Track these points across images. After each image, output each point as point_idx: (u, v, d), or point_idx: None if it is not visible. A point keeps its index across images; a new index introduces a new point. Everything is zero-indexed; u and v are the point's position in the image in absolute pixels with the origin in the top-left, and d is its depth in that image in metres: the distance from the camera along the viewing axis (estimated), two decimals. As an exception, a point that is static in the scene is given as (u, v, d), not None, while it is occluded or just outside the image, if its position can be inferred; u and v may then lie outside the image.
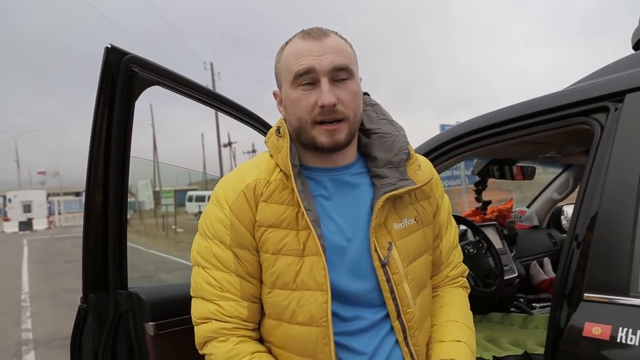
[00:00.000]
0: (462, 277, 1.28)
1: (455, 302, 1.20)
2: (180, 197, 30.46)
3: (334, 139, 1.00)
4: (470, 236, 2.36)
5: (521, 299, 2.46)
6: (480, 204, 2.76)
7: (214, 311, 1.02)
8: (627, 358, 1.06)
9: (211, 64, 31.25)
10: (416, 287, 1.08)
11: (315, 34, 1.02)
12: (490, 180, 2.64)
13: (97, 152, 1.11)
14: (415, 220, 1.11)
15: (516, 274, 2.49)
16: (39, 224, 32.12)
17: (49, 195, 40.98)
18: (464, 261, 1.88)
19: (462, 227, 2.47)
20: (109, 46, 1.10)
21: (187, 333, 1.31)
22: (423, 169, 1.12)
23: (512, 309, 2.41)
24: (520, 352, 1.72)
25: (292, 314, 1.00)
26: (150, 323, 1.19)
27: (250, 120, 1.66)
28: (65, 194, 53.17)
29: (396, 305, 1.03)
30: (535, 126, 1.51)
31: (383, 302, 1.04)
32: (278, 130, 1.09)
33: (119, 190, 1.13)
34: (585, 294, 1.18)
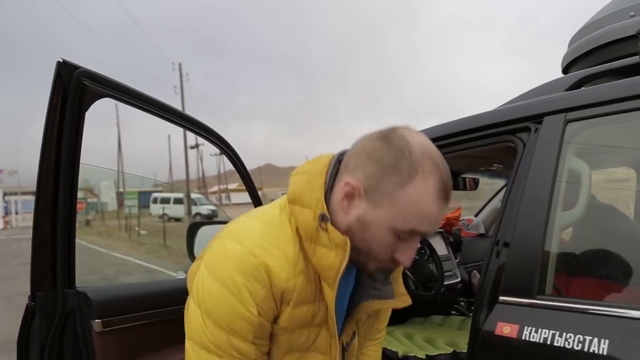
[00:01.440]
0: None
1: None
2: (144, 198, 29.93)
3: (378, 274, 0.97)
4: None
5: (462, 303, 2.60)
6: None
7: None
8: (530, 353, 1.19)
9: (179, 65, 30.94)
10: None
11: (449, 191, 0.89)
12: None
13: (48, 157, 1.17)
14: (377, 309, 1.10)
15: (459, 279, 2.63)
16: (-5, 224, 30.99)
17: (5, 194, 39.45)
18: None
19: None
20: (61, 60, 1.16)
21: (132, 330, 1.37)
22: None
23: (453, 312, 2.55)
24: (451, 350, 1.84)
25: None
26: (97, 320, 1.25)
27: (203, 132, 1.72)
28: (24, 193, 51.26)
29: None
30: (471, 142, 1.63)
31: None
32: (323, 216, 0.91)
33: (68, 194, 1.18)
34: (500, 297, 1.31)
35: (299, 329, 0.96)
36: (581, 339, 1.11)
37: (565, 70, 1.97)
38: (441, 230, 2.85)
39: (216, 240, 0.99)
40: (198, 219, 29.02)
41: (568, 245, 1.37)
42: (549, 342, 1.16)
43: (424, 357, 1.82)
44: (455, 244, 2.84)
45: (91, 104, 1.21)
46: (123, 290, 1.41)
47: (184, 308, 1.49)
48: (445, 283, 2.46)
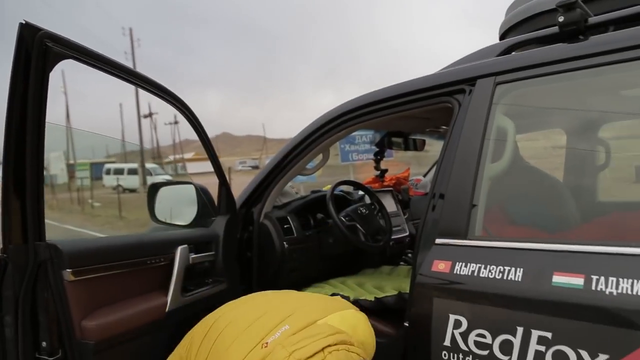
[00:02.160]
0: None
1: None
2: (97, 170, 29.03)
3: None
4: (367, 200, 2.66)
5: (409, 254, 2.82)
6: (379, 172, 3.07)
7: None
8: (460, 284, 1.37)
9: (130, 30, 29.68)
10: None
11: None
12: (402, 156, 2.94)
13: (12, 116, 1.22)
14: None
15: (407, 233, 2.84)
16: None
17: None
18: (357, 219, 2.16)
19: (360, 192, 2.77)
20: (23, 22, 1.20)
21: (102, 279, 1.47)
22: None
23: (401, 263, 2.76)
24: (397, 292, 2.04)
25: None
26: (68, 270, 1.34)
27: (166, 96, 1.78)
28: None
29: None
30: (412, 103, 1.78)
31: None
32: None
33: (34, 150, 1.24)
34: (437, 240, 1.49)
35: None
36: (501, 269, 1.30)
37: (502, 37, 2.13)
38: (391, 189, 3.04)
39: None
40: (153, 190, 28.45)
41: (494, 194, 1.55)
42: (475, 274, 1.34)
43: (372, 299, 2.01)
44: (403, 201, 3.04)
45: (54, 65, 1.27)
46: (92, 243, 1.50)
47: (149, 260, 1.60)
48: (394, 237, 2.66)
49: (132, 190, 27.13)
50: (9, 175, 1.24)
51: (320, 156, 2.32)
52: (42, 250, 1.31)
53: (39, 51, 1.21)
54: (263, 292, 1.70)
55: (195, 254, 1.81)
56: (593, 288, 1.15)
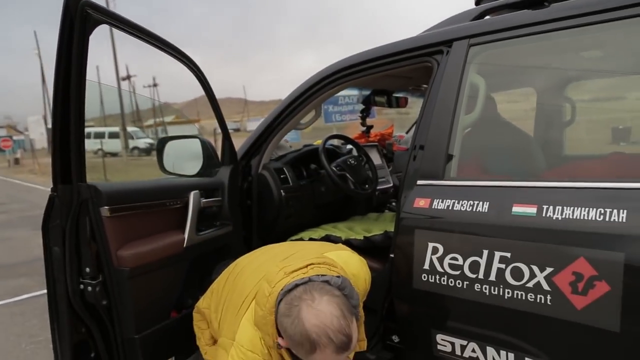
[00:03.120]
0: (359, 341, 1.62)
1: None
2: (76, 134, 28.58)
3: None
4: (355, 152, 2.90)
5: (393, 203, 3.10)
6: (365, 128, 3.30)
7: None
8: (437, 217, 1.64)
9: (103, -11, 28.69)
10: None
11: (345, 345, 1.25)
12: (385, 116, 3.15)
13: (59, 76, 1.42)
14: None
15: (391, 184, 3.11)
16: None
17: None
18: (346, 169, 2.40)
19: (349, 146, 3.00)
20: None
21: (133, 217, 1.71)
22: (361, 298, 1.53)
23: (386, 210, 3.04)
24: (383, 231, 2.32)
25: None
26: (106, 207, 1.57)
27: (184, 59, 1.97)
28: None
29: None
30: (395, 63, 2.00)
31: None
32: (278, 344, 1.34)
33: (76, 108, 1.45)
34: (418, 181, 1.74)
35: None
36: (471, 203, 1.57)
37: (477, 3, 2.33)
38: (376, 144, 3.29)
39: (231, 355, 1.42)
40: (136, 153, 28.32)
41: (467, 141, 1.80)
42: (450, 208, 1.61)
43: (362, 238, 2.28)
44: (388, 155, 3.29)
45: (93, 29, 1.46)
46: (125, 185, 1.73)
47: (168, 202, 1.84)
48: (379, 187, 2.92)
49: (114, 154, 26.95)
50: (56, 128, 1.45)
51: (313, 112, 2.53)
52: (84, 190, 1.53)
53: (80, 17, 1.40)
54: (274, 244, 1.94)
55: (205, 199, 2.04)
56: (544, 215, 1.42)
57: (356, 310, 1.37)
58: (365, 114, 3.16)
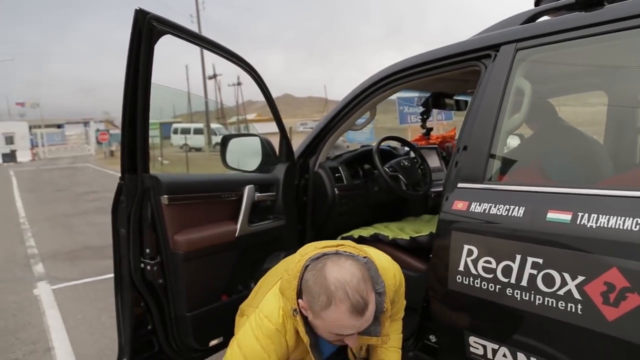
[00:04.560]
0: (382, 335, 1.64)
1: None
2: (165, 129, 30.65)
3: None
4: (411, 154, 2.94)
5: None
6: (425, 130, 3.31)
7: None
8: (473, 220, 1.65)
9: (195, -7, 30.42)
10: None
11: (360, 309, 1.30)
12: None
13: (128, 80, 1.63)
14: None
15: (448, 187, 3.10)
16: (23, 156, 32.16)
17: (31, 127, 40.52)
18: (399, 171, 2.45)
19: (406, 148, 3.04)
20: (137, 8, 1.61)
21: (189, 206, 1.89)
22: (389, 293, 1.56)
23: (441, 213, 3.05)
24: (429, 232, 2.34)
25: None
26: (165, 196, 1.77)
27: (242, 64, 2.14)
28: (47, 126, 52.53)
29: None
30: (445, 67, 2.02)
31: None
32: (295, 310, 1.41)
33: (142, 108, 1.66)
34: (459, 184, 1.76)
35: None
36: (507, 207, 1.57)
37: (536, 3, 2.28)
38: (436, 146, 3.29)
39: (250, 319, 1.53)
40: (218, 148, 29.67)
41: (510, 145, 1.79)
42: (486, 212, 1.62)
43: (408, 238, 2.33)
44: (447, 158, 3.28)
45: (158, 40, 1.67)
46: (183, 177, 1.93)
47: (224, 194, 2.01)
48: (435, 189, 2.93)
49: (198, 149, 28.44)
50: (125, 125, 1.66)
51: (369, 113, 2.60)
52: (147, 180, 1.74)
53: (147, 29, 1.60)
54: None
55: (260, 193, 2.19)
56: (578, 222, 1.40)
57: (381, 298, 1.43)
58: (425, 116, 3.18)
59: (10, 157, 31.37)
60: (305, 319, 1.43)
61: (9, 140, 33.58)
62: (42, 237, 7.26)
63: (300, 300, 1.40)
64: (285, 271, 1.49)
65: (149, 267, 1.78)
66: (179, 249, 1.80)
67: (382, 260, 1.64)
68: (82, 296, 4.44)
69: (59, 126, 56.26)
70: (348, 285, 1.29)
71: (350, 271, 1.32)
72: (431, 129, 3.31)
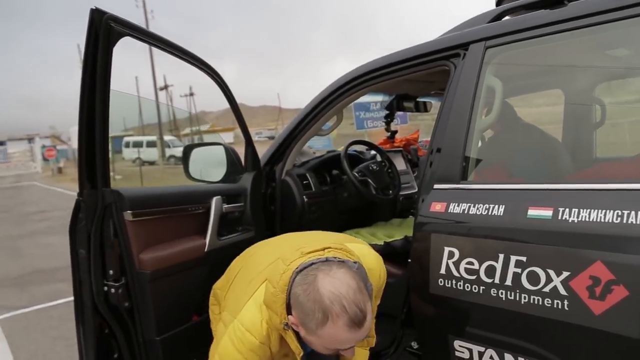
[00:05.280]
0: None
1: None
2: (116, 143, 29.67)
3: None
4: (378, 158, 2.91)
5: (418, 208, 3.08)
6: (389, 133, 3.29)
7: None
8: (453, 221, 1.62)
9: (143, 2, 29.71)
10: None
11: (359, 321, 1.22)
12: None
13: (85, 85, 1.50)
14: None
15: (416, 190, 3.08)
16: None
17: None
18: (368, 175, 2.40)
19: (373, 152, 3.01)
20: (94, 7, 1.48)
21: (155, 221, 1.77)
22: (377, 295, 1.57)
23: (410, 215, 3.02)
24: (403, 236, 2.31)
25: None
26: (129, 211, 1.64)
27: (203, 67, 2.03)
28: (-12, 143, 49.77)
29: None
30: (413, 67, 1.99)
31: None
32: (286, 324, 1.33)
33: (101, 115, 1.53)
34: (435, 185, 1.73)
35: None
36: (487, 207, 1.55)
37: (498, 3, 2.31)
38: (401, 149, 3.28)
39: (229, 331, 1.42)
40: (172, 161, 29.05)
41: (484, 143, 1.78)
42: (466, 212, 1.59)
43: (382, 243, 2.28)
44: (413, 161, 3.28)
45: (117, 41, 1.54)
46: (147, 191, 1.80)
47: (190, 207, 1.89)
48: (403, 193, 2.91)
49: (152, 163, 27.69)
50: (82, 135, 1.53)
51: (335, 118, 2.55)
52: (108, 195, 1.61)
53: (105, 30, 1.48)
54: (294, 232, 1.94)
55: (227, 204, 2.09)
56: (559, 218, 1.39)
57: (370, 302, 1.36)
58: (389, 119, 3.16)
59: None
60: (296, 333, 1.35)
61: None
62: (-16, 262, 6.80)
63: (290, 317, 1.32)
64: (269, 283, 1.38)
65: (112, 290, 1.65)
66: (145, 268, 1.68)
67: (368, 260, 1.57)
68: (34, 325, 4.12)
69: (1, 143, 53.55)
70: (345, 298, 1.22)
71: (345, 282, 1.24)
72: (396, 131, 3.30)
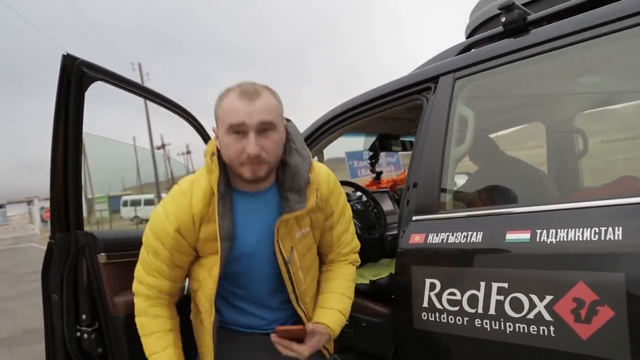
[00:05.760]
0: (354, 253, 1.65)
1: (341, 276, 1.59)
2: (114, 202, 29.67)
3: (256, 174, 1.30)
4: (363, 199, 2.89)
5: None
6: (374, 175, 3.30)
7: (144, 281, 1.43)
8: (432, 252, 1.59)
9: (139, 65, 30.63)
10: (306, 271, 1.49)
11: (249, 94, 1.27)
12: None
13: (57, 129, 1.50)
14: (309, 227, 1.47)
15: (404, 229, 3.05)
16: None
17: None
18: (353, 215, 2.38)
19: (359, 193, 2.99)
20: (65, 53, 1.52)
21: (129, 264, 1.72)
22: (320, 188, 1.46)
23: (399, 255, 2.97)
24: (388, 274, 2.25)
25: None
26: (102, 254, 1.60)
27: (179, 110, 2.05)
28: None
29: (292, 285, 1.44)
30: (387, 104, 2.01)
31: (281, 282, 1.44)
32: (212, 155, 1.35)
33: (74, 158, 1.52)
34: (413, 217, 1.70)
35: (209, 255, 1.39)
36: (465, 234, 1.52)
37: (468, 37, 2.36)
38: (388, 190, 3.27)
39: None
40: (171, 218, 28.83)
41: (459, 173, 1.77)
42: (444, 241, 1.56)
43: (367, 282, 2.22)
44: (399, 200, 3.25)
45: (89, 86, 1.56)
46: (121, 234, 1.77)
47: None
48: (391, 233, 2.87)
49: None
50: (55, 178, 1.52)
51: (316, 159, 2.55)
52: (81, 238, 1.58)
53: (77, 75, 1.51)
54: None
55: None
56: (538, 240, 1.35)
57: (305, 163, 1.41)
58: (373, 160, 3.17)
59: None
60: (221, 166, 1.35)
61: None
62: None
63: (214, 130, 1.37)
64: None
65: (85, 336, 1.58)
66: (119, 312, 1.62)
67: (319, 164, 1.56)
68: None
69: (0, 206, 53.53)
70: (241, 84, 1.33)
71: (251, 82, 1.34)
72: (381, 172, 3.31)
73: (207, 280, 1.41)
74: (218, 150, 1.36)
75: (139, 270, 1.46)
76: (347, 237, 1.62)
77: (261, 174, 1.32)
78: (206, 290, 1.41)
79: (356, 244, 1.66)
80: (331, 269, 1.62)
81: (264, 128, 1.28)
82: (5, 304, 7.89)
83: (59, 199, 1.53)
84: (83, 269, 1.58)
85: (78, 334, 1.60)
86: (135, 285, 1.46)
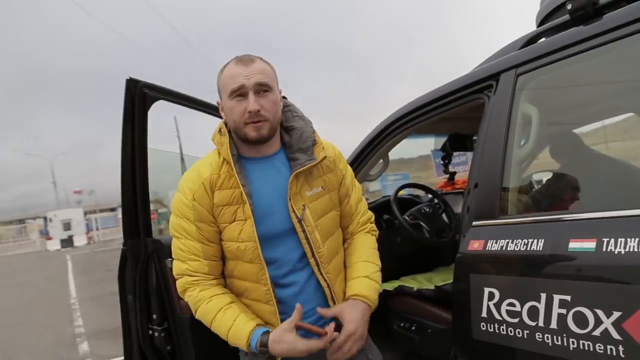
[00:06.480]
0: (370, 223, 1.68)
1: (362, 245, 1.62)
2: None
3: (259, 133, 1.40)
4: (434, 201, 2.80)
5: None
6: (448, 175, 3.18)
7: (185, 269, 1.44)
8: (491, 259, 1.51)
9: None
10: (324, 234, 1.49)
11: (244, 61, 1.41)
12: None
13: (125, 149, 1.65)
14: (322, 188, 1.51)
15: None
16: (79, 241, 33.39)
17: (86, 212, 42.36)
18: (420, 218, 2.32)
19: (429, 195, 2.92)
20: (129, 77, 1.66)
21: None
22: (326, 150, 1.52)
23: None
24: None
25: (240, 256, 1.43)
26: (169, 259, 1.72)
27: None
28: (101, 210, 54.88)
29: (310, 248, 1.45)
30: (448, 104, 1.94)
31: (301, 245, 1.46)
32: (220, 130, 1.47)
33: (141, 172, 1.67)
34: (473, 222, 1.63)
35: (235, 221, 1.42)
36: (525, 242, 1.42)
37: (539, 26, 2.20)
38: (462, 191, 3.14)
39: None
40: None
41: (522, 175, 1.65)
42: (504, 249, 1.47)
43: (433, 287, 2.16)
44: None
45: (151, 105, 1.71)
46: None
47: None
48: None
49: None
50: (125, 190, 1.66)
51: (381, 162, 2.53)
52: (150, 244, 1.71)
53: (140, 97, 1.64)
54: None
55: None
56: (604, 250, 1.23)
57: (310, 129, 1.52)
58: (446, 160, 3.07)
59: (68, 242, 32.66)
60: (231, 141, 1.45)
61: (67, 226, 35.04)
62: (88, 316, 7.38)
63: (218, 103, 1.49)
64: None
65: (156, 334, 1.71)
66: (185, 312, 1.73)
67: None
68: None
69: (112, 209, 58.83)
70: (240, 56, 1.44)
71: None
72: (455, 173, 3.19)
73: (240, 247, 1.41)
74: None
75: (177, 266, 1.46)
76: (362, 205, 1.68)
77: (264, 132, 1.41)
78: (247, 254, 1.41)
79: (371, 214, 1.72)
80: (352, 242, 1.65)
81: (262, 90, 1.40)
82: (113, 299, 8.67)
83: (130, 210, 1.67)
84: (152, 273, 1.70)
85: (150, 332, 1.73)
86: (179, 283, 1.46)
